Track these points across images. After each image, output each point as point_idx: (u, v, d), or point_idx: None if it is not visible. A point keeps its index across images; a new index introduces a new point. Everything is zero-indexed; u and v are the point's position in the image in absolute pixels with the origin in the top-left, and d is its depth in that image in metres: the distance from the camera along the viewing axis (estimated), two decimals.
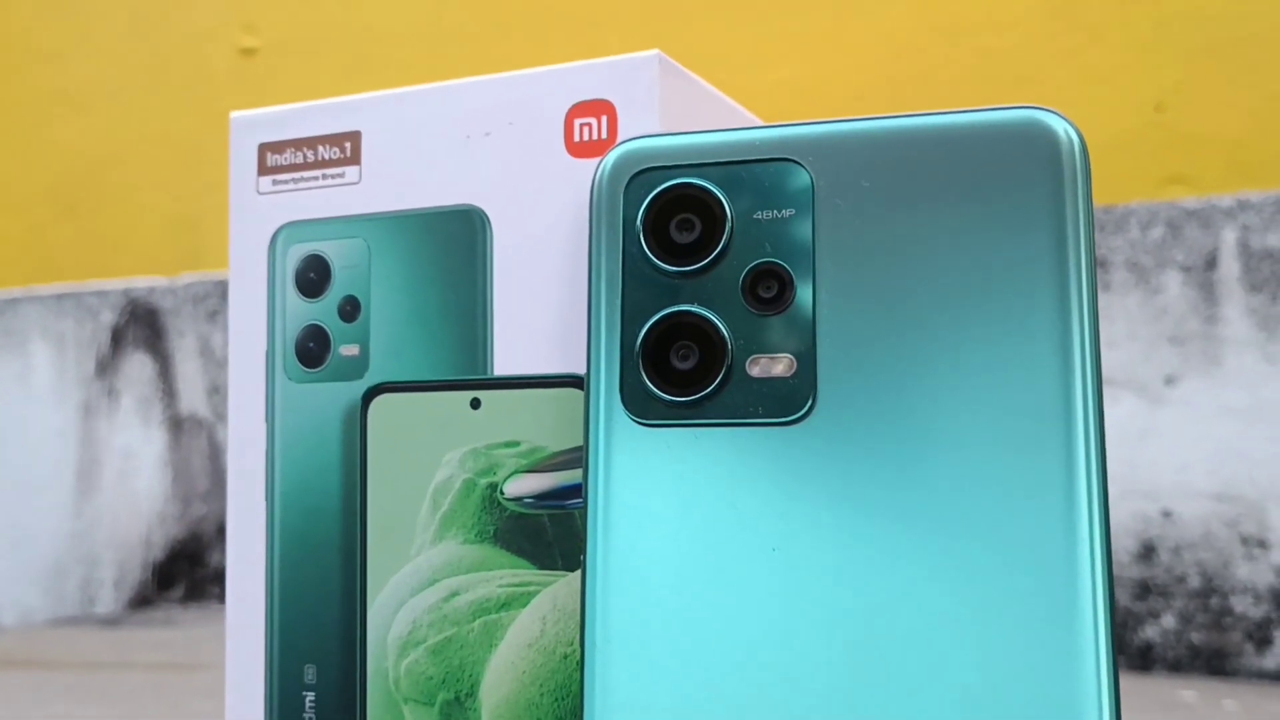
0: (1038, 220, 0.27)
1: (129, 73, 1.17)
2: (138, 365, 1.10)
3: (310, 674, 0.34)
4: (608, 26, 0.99)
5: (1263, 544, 0.74)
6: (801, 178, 0.29)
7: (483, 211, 0.33)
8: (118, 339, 1.11)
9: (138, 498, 1.08)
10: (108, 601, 1.08)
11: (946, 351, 0.27)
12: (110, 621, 1.03)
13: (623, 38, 0.98)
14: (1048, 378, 0.27)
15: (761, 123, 0.37)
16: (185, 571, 1.07)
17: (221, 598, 1.05)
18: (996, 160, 0.28)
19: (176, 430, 1.09)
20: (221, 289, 1.09)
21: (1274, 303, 0.75)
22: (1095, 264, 0.28)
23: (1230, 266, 0.76)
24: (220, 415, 1.07)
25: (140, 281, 1.12)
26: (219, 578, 1.06)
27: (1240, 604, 0.74)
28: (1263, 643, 0.73)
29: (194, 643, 0.90)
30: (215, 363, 1.08)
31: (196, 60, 1.16)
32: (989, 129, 0.28)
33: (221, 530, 1.06)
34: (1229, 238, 0.77)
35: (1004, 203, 0.28)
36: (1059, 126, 0.28)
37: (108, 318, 1.11)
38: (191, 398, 1.08)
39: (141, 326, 1.10)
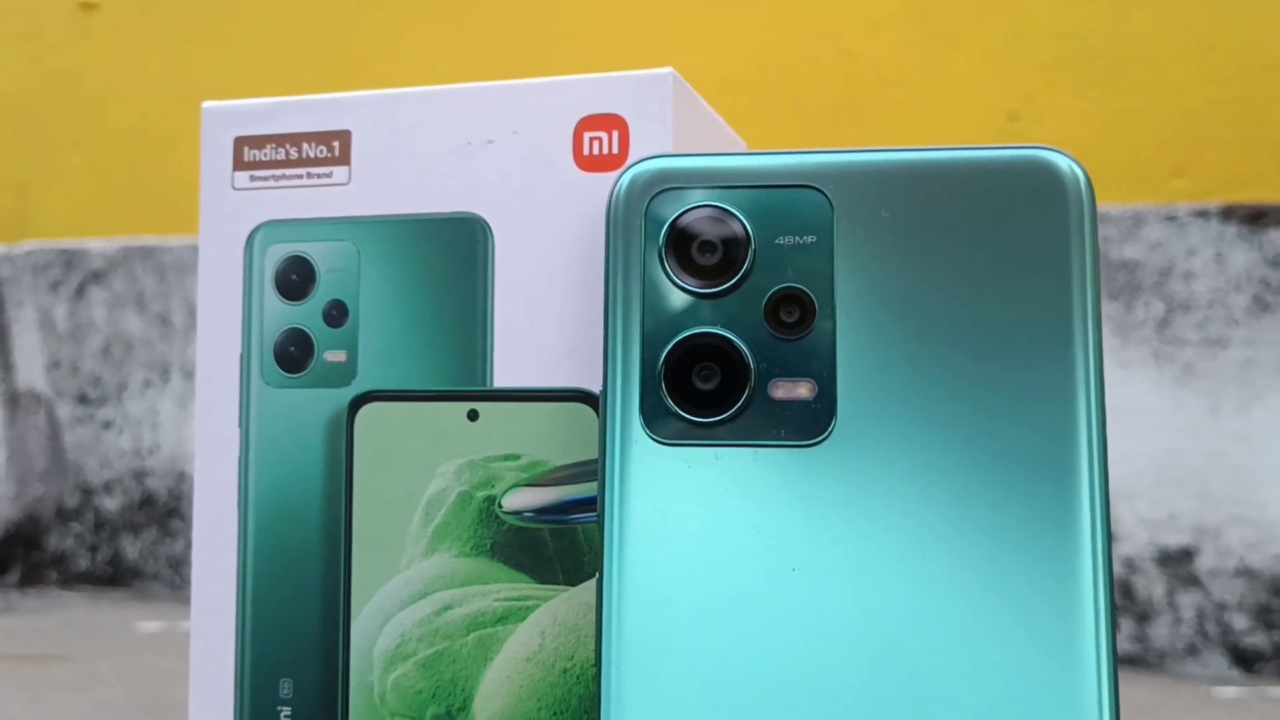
0: (1046, 257, 0.29)
1: None
2: None
3: (286, 688, 0.33)
4: (466, 6, 0.98)
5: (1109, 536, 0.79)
6: (822, 205, 0.29)
7: (484, 220, 0.32)
8: None
9: None
10: None
11: (960, 379, 0.29)
12: None
13: (482, 17, 0.97)
14: (1056, 405, 0.28)
15: (747, 147, 0.38)
16: (20, 555, 1.01)
17: (61, 583, 1.00)
18: (1007, 197, 0.29)
19: (13, 406, 1.02)
20: (66, 258, 1.03)
21: (1128, 311, 0.80)
22: (1100, 296, 0.29)
23: None
24: (61, 391, 1.02)
25: None
26: (57, 562, 1.01)
27: None
28: None
29: (42, 632, 0.85)
30: (56, 336, 1.02)
31: (32, 14, 1.09)
32: (1000, 167, 0.29)
33: (61, 512, 1.01)
34: None
35: (1014, 238, 0.29)
36: (1066, 166, 0.29)
37: None
38: (29, 372, 1.03)
39: None
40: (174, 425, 1.00)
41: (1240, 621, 0.78)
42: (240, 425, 0.34)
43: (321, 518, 0.33)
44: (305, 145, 0.33)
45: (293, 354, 0.33)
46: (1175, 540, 0.79)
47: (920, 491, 0.28)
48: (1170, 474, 0.79)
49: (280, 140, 0.34)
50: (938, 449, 0.28)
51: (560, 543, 0.32)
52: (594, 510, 0.31)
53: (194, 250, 0.99)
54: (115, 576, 0.99)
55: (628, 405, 0.29)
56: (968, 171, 0.29)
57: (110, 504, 1.01)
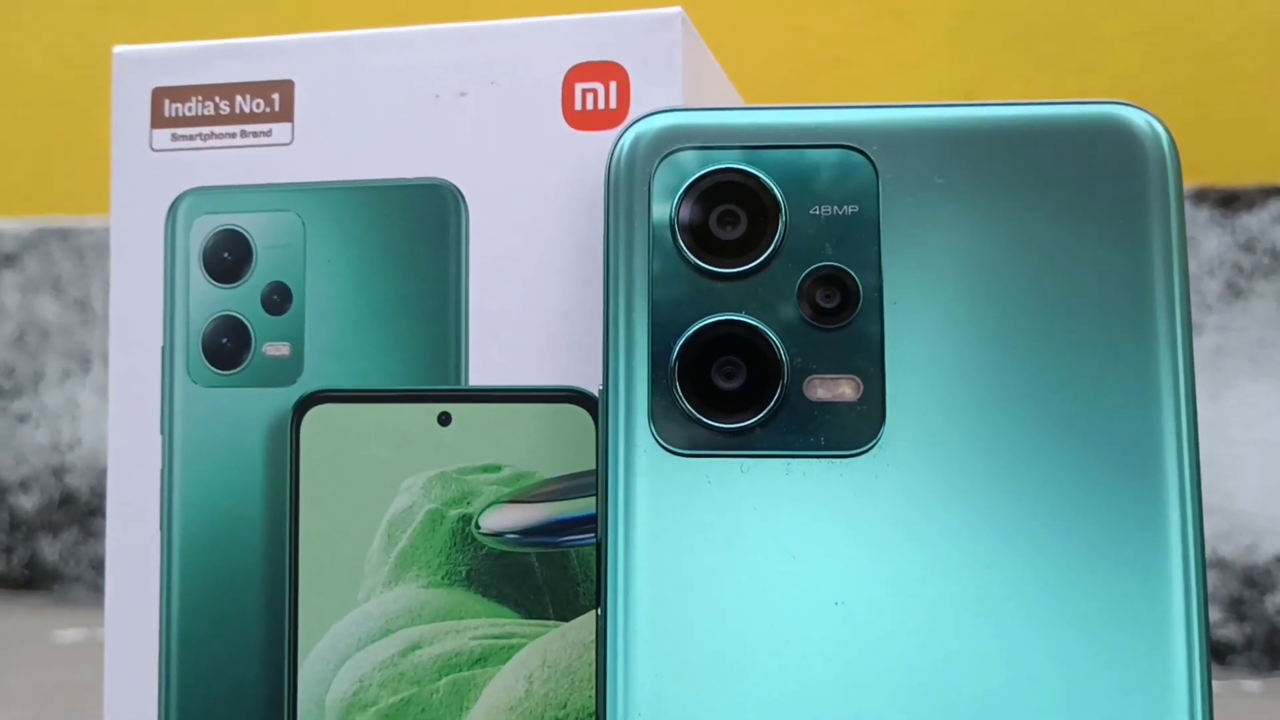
0: (1127, 228, 0.25)
1: None
2: None
3: None
4: None
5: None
6: (865, 169, 0.25)
7: (455, 187, 0.27)
8: None
9: None
10: None
11: (1027, 374, 0.24)
12: None
13: None
14: (1141, 404, 0.24)
15: (744, 103, 0.34)
16: None
17: None
18: (1078, 160, 0.25)
19: None
20: None
21: None
22: (1188, 274, 0.25)
23: None
24: None
25: None
26: None
27: None
28: None
29: None
30: None
31: None
32: (1068, 125, 0.25)
33: None
34: None
35: (1089, 207, 0.25)
36: (1144, 123, 0.25)
37: None
38: None
39: None
40: (95, 418, 0.94)
41: (1213, 614, 0.76)
42: (163, 431, 0.29)
43: (261, 541, 0.28)
44: (239, 98, 0.29)
45: (225, 347, 0.29)
46: None
47: (983, 508, 0.24)
48: None
49: (208, 92, 0.29)
50: (1003, 457, 0.24)
51: (550, 570, 0.27)
52: (591, 532, 0.27)
53: None
54: (32, 579, 0.94)
55: (633, 408, 0.25)
56: (1032, 130, 0.25)
57: (27, 502, 0.95)
